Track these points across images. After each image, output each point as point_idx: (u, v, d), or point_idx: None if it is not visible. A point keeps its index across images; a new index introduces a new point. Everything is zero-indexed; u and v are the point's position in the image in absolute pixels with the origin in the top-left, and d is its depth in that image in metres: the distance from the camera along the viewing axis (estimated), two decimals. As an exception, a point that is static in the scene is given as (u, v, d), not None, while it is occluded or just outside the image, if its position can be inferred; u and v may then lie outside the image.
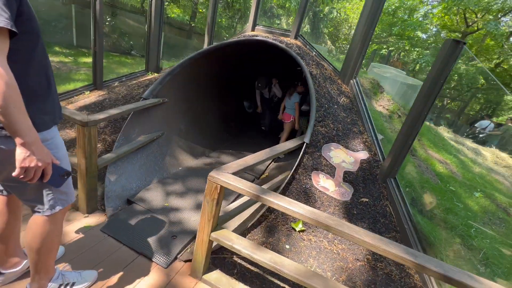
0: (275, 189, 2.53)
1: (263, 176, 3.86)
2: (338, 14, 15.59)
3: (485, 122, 8.59)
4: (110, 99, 3.58)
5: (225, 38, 15.42)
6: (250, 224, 2.19)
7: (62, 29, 8.72)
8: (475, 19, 14.60)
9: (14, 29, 0.88)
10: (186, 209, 2.62)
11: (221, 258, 1.97)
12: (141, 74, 4.77)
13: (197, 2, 12.07)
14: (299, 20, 3.69)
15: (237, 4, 9.99)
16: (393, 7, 13.68)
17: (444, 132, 7.13)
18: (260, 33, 3.86)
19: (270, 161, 4.52)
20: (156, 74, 4.82)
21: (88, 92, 3.89)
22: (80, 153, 2.07)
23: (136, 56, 9.93)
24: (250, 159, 1.96)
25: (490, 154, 5.62)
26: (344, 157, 2.67)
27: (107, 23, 10.92)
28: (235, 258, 1.97)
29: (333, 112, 2.98)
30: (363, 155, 2.73)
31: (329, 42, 15.33)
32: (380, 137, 3.08)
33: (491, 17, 14.15)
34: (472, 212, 2.85)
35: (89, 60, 6.64)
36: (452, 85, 16.19)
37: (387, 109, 3.92)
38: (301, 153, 2.48)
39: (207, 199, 1.61)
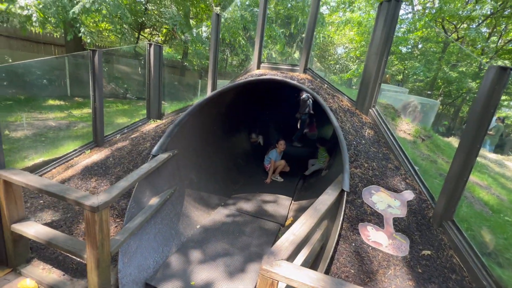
0: (318, 251, 2.17)
1: (288, 222, 3.48)
2: (324, 38, 16.20)
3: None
4: (114, 157, 3.28)
5: (223, 71, 15.68)
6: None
7: (56, 81, 8.65)
8: (453, 29, 15.31)
9: None
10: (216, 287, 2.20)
11: None
12: (143, 123, 4.53)
13: (188, 41, 12.39)
14: (307, 54, 3.57)
15: (237, 45, 10.22)
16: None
17: (457, 143, 6.94)
18: (267, 71, 3.72)
19: (291, 201, 4.18)
20: (158, 121, 4.59)
21: (89, 150, 3.59)
22: (90, 243, 1.71)
23: (132, 99, 9.86)
24: (302, 231, 1.61)
25: (512, 163, 5.38)
26: (389, 200, 2.36)
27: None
28: None
29: (363, 149, 2.72)
30: (408, 195, 2.43)
31: (318, 64, 15.72)
32: (415, 168, 2.80)
33: (465, 25, 14.86)
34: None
35: (85, 111, 6.46)
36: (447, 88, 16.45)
37: (409, 134, 3.69)
38: (343, 205, 2.16)
39: (262, 301, 1.26)
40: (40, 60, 8.96)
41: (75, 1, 6.04)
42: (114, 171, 3.05)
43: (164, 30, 13.13)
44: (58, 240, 1.90)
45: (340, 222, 2.08)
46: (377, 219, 2.23)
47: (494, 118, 8.22)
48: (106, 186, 2.87)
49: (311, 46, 3.60)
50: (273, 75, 3.34)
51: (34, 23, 5.69)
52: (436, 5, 15.42)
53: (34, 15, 5.63)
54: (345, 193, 2.23)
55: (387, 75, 18.34)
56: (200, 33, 9.38)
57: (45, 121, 4.76)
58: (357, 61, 20.12)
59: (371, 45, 3.24)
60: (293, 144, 7.01)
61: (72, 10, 5.61)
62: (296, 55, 12.61)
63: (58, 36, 9.86)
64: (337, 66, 18.03)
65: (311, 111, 7.13)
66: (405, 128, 3.76)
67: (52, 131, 4.29)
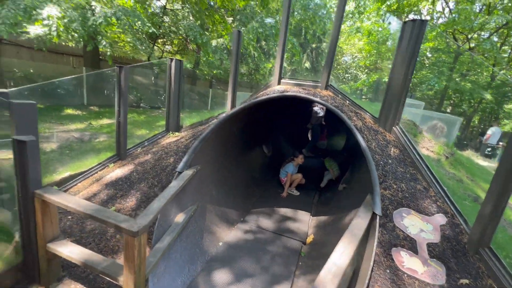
0: (350, 276, 2.12)
1: (310, 239, 3.43)
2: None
3: (496, 130, 7.88)
4: (137, 172, 3.31)
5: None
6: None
7: (73, 91, 8.90)
8: (464, 39, 15.19)
9: None
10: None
11: None
12: (162, 135, 4.59)
13: (199, 51, 12.62)
14: (328, 70, 3.59)
15: (249, 55, 10.38)
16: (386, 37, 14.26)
17: (474, 156, 6.79)
18: (288, 87, 3.75)
19: (309, 216, 4.13)
20: (177, 134, 4.64)
21: (112, 164, 3.64)
22: (128, 267, 1.72)
23: (146, 109, 10.03)
24: (343, 261, 1.58)
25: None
26: (421, 224, 2.31)
27: (114, 79, 11.25)
28: None
29: (390, 169, 2.69)
30: (440, 219, 2.37)
31: (328, 74, 15.76)
32: (444, 189, 2.74)
33: (475, 35, 14.74)
34: None
35: (104, 122, 6.60)
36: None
37: (432, 151, 3.64)
38: (376, 230, 2.12)
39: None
40: (59, 69, 9.24)
41: (96, 15, 6.25)
42: (139, 186, 3.08)
43: (176, 41, 13.42)
44: (93, 261, 1.91)
45: (374, 247, 2.04)
46: (410, 244, 2.18)
47: (499, 128, 7.97)
48: (132, 202, 2.89)
49: (332, 63, 3.61)
50: (296, 91, 3.36)
51: (52, 32, 5.86)
52: (446, 14, 15.41)
53: (54, 26, 5.81)
54: (378, 216, 2.19)
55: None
56: (216, 44, 9.56)
57: (68, 133, 4.88)
58: (366, 70, 20.13)
59: (395, 63, 3.24)
60: (305, 154, 6.98)
61: (93, 19, 5.77)
62: (307, 64, 12.70)
63: (79, 47, 10.16)
64: (346, 75, 18.06)
65: (323, 122, 7.16)
66: (427, 145, 3.71)
67: (75, 143, 4.38)
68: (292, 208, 4.32)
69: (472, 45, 14.95)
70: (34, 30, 5.52)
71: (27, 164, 1.94)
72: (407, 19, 2.97)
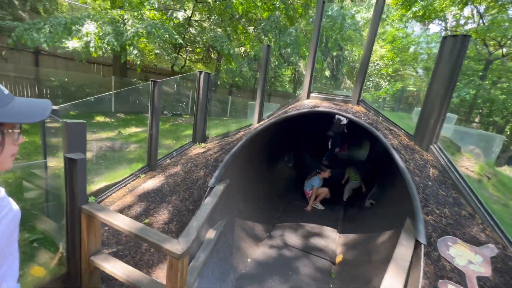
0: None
1: (339, 259, 3.32)
2: (351, 53, 16.00)
3: None
4: (168, 185, 3.39)
5: (251, 87, 15.95)
6: None
7: (103, 98, 9.36)
8: (497, 46, 14.40)
9: None
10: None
11: None
12: (189, 146, 4.68)
13: (220, 59, 12.87)
14: (360, 85, 3.51)
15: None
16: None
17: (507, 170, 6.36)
18: (318, 101, 3.70)
19: (336, 233, 4.02)
20: (203, 144, 4.72)
21: (143, 175, 3.75)
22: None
23: (168, 116, 10.33)
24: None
25: None
26: (469, 255, 2.16)
27: (140, 87, 11.74)
28: None
29: (431, 192, 2.56)
30: (490, 250, 2.21)
31: (348, 81, 15.50)
32: (492, 216, 2.56)
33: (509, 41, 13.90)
34: None
35: (132, 130, 6.86)
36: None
37: (472, 171, 3.43)
38: (421, 260, 2.01)
39: None
40: (90, 78, 9.77)
41: (129, 28, 6.56)
42: (171, 199, 3.14)
43: (198, 49, 13.77)
44: (135, 278, 1.95)
45: (420, 280, 1.93)
46: (459, 277, 2.04)
47: None
48: (164, 215, 2.95)
49: (365, 77, 3.53)
50: (327, 106, 3.31)
51: (91, 49, 6.22)
52: (475, 19, 14.71)
53: (92, 42, 6.16)
54: (422, 245, 2.08)
55: (420, 93, 17.59)
56: (238, 52, 9.74)
57: (100, 141, 5.12)
58: (388, 77, 19.57)
59: (433, 79, 3.11)
60: (323, 162, 6.85)
61: (126, 34, 6.07)
62: (327, 72, 12.57)
63: (110, 56, 10.71)
64: (368, 83, 17.67)
65: (345, 131, 7.00)
66: (467, 165, 3.51)
67: (108, 152, 4.58)
68: (318, 223, 4.22)
69: (504, 50, 14.15)
70: (72, 44, 5.88)
71: (76, 181, 2.03)
72: (447, 34, 2.84)
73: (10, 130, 0.70)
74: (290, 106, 3.84)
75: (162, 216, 2.96)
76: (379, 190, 4.71)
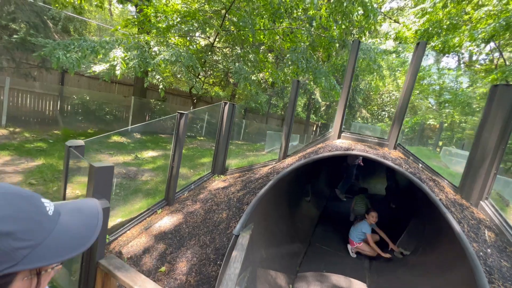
0: None
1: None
2: (369, 85, 16.04)
3: None
4: (187, 225, 3.13)
5: (266, 112, 16.00)
6: None
7: (121, 118, 9.47)
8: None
9: None
10: None
11: None
12: (208, 178, 4.47)
13: (237, 83, 13.05)
14: (399, 127, 3.29)
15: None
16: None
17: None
18: (350, 142, 3.48)
19: (366, 288, 3.59)
20: (222, 177, 4.50)
21: (160, 210, 3.52)
22: None
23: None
24: None
25: None
26: None
27: (158, 107, 11.91)
28: None
29: (494, 264, 2.20)
30: None
31: (363, 111, 15.35)
32: None
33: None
34: None
35: (149, 154, 6.75)
36: None
37: (527, 231, 3.03)
38: None
39: None
40: (111, 97, 9.98)
41: (153, 54, 6.71)
42: (190, 244, 2.87)
43: (217, 73, 14.08)
44: None
45: None
46: None
47: None
48: (183, 264, 2.66)
49: (403, 120, 3.32)
50: (363, 150, 3.07)
51: (117, 72, 6.32)
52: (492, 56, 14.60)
53: (118, 65, 6.28)
54: None
55: (437, 125, 17.16)
56: (256, 78, 9.83)
57: (117, 167, 4.98)
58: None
59: (482, 128, 2.87)
60: (338, 195, 6.49)
61: (153, 62, 6.17)
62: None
63: (131, 78, 11.04)
64: (383, 112, 17.47)
65: (361, 163, 6.73)
66: (519, 223, 3.12)
67: (124, 180, 4.42)
68: (344, 274, 3.80)
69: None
70: (99, 68, 6.01)
71: (97, 232, 1.81)
72: (498, 83, 2.65)
73: (49, 270, 0.50)
74: (318, 146, 3.63)
75: (180, 264, 2.67)
76: (410, 237, 4.30)
